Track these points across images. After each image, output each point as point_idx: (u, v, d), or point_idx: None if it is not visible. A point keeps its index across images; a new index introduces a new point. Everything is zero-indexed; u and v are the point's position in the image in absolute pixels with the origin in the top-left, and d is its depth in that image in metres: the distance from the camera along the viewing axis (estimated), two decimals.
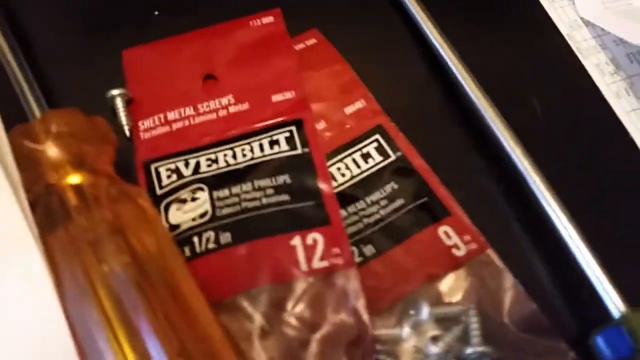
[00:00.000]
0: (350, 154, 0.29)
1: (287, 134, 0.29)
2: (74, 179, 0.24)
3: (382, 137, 0.30)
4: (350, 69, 0.32)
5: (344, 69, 0.32)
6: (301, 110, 0.30)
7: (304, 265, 0.25)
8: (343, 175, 0.29)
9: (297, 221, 0.27)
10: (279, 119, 0.29)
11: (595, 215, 0.28)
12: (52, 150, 0.25)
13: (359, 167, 0.29)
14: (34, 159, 0.25)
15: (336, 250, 0.26)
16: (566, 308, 0.27)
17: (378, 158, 0.29)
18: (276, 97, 0.30)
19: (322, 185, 0.28)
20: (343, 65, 0.32)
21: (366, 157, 0.29)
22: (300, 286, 0.25)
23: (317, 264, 0.26)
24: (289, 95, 0.30)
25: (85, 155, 0.25)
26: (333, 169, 0.29)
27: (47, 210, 0.23)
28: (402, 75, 0.32)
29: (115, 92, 0.30)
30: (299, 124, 0.29)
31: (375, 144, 0.29)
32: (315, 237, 0.26)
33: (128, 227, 0.23)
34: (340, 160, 0.29)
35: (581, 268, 0.26)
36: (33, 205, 0.23)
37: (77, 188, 0.24)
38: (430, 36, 0.31)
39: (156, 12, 0.34)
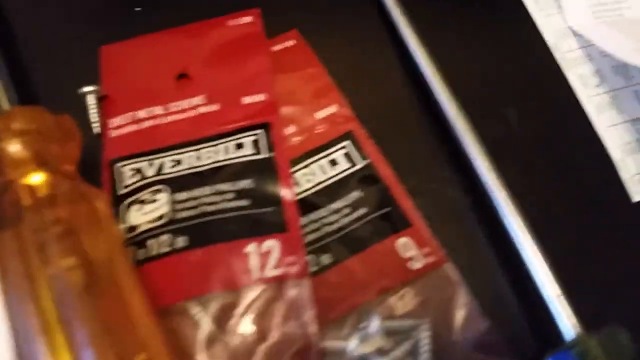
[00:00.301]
0: (317, 160, 0.29)
1: (254, 138, 0.29)
2: (33, 177, 0.25)
3: (353, 143, 0.29)
4: (326, 73, 0.31)
5: (319, 72, 0.31)
6: (270, 113, 0.29)
7: (256, 273, 0.25)
8: (308, 180, 0.28)
9: (255, 227, 0.26)
10: (247, 122, 0.29)
11: (564, 232, 0.28)
12: (12, 147, 0.25)
13: (325, 173, 0.29)
14: None
15: (291, 258, 0.26)
16: (523, 328, 0.26)
17: (345, 165, 0.29)
18: (246, 99, 0.30)
19: (284, 192, 0.27)
20: (318, 68, 0.31)
21: (333, 163, 0.29)
22: (250, 294, 0.25)
23: (270, 272, 0.25)
24: (259, 97, 0.30)
25: (48, 154, 0.25)
26: (299, 174, 0.29)
27: (1, 208, 0.24)
28: (378, 81, 0.32)
29: (86, 89, 0.30)
30: (266, 127, 0.29)
31: (343, 151, 0.29)
32: (271, 244, 0.26)
33: (80, 229, 0.23)
34: (307, 166, 0.29)
35: (540, 288, 0.25)
36: None
37: (32, 188, 0.24)
38: (408, 41, 0.31)
39: (137, 8, 0.34)
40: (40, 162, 0.25)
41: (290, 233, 0.26)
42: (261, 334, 0.24)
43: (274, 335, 0.24)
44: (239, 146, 0.29)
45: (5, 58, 0.30)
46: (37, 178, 0.24)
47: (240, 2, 0.33)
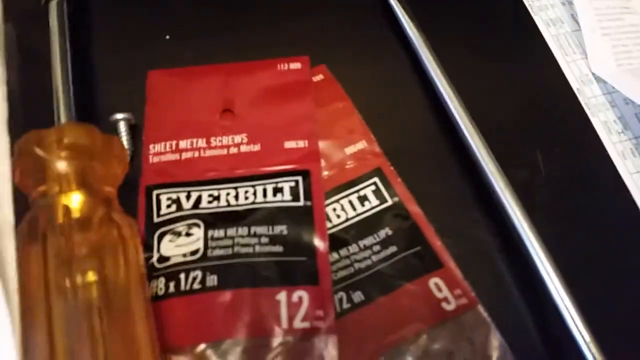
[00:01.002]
0: (347, 195, 0.29)
1: (292, 184, 0.29)
2: (72, 196, 0.25)
3: (381, 180, 0.29)
4: (354, 108, 0.31)
5: (348, 107, 0.31)
6: (310, 161, 0.29)
7: (285, 323, 0.25)
8: (338, 216, 0.28)
9: (286, 276, 0.26)
10: (288, 167, 0.29)
11: (589, 276, 0.28)
12: (59, 162, 0.25)
13: (354, 209, 0.29)
14: (41, 167, 0.25)
15: (320, 312, 0.25)
16: None
17: (375, 202, 0.29)
18: (289, 144, 0.30)
19: (318, 243, 0.27)
20: (347, 103, 0.32)
21: (363, 199, 0.29)
22: (277, 343, 0.25)
23: (298, 323, 0.25)
24: (301, 144, 0.30)
25: (92, 174, 0.26)
26: (329, 209, 0.28)
27: (35, 220, 0.24)
28: (406, 119, 0.32)
29: (119, 116, 0.30)
30: (305, 174, 0.29)
31: (372, 187, 0.29)
32: (302, 295, 0.26)
33: (104, 254, 0.23)
34: (337, 201, 0.29)
35: (569, 330, 0.25)
36: (30, 208, 0.24)
37: (68, 208, 0.24)
38: (437, 83, 0.31)
39: (167, 37, 0.34)
40: (83, 181, 0.25)
41: (321, 286, 0.26)
42: None
43: None
44: (278, 190, 0.28)
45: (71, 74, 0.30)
46: (76, 198, 0.24)
47: (261, 41, 0.33)
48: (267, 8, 0.35)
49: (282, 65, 0.32)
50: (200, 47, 0.33)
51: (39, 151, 0.25)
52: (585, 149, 0.31)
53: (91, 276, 0.22)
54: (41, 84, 0.30)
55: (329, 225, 0.28)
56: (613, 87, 0.33)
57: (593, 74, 0.33)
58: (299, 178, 0.29)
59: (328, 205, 0.29)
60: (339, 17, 0.35)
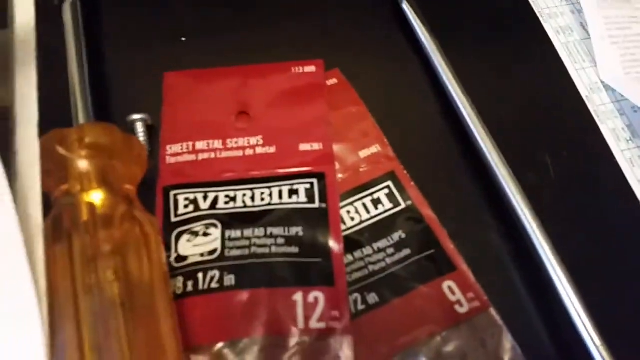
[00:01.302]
0: (361, 198, 0.29)
1: (308, 186, 0.29)
2: (94, 194, 0.25)
3: (394, 184, 0.30)
4: (368, 112, 0.32)
5: (361, 111, 0.32)
6: (326, 163, 0.30)
7: (301, 323, 0.25)
8: (352, 219, 0.29)
9: (302, 276, 0.27)
10: (303, 169, 0.30)
11: (598, 281, 0.28)
12: (80, 161, 0.26)
13: (368, 212, 0.29)
14: (62, 165, 0.26)
15: (335, 313, 0.26)
16: None
17: (388, 205, 0.29)
18: (304, 146, 0.30)
19: (333, 244, 0.27)
20: (361, 107, 0.32)
21: (376, 202, 0.29)
22: (294, 343, 0.25)
23: (314, 324, 0.26)
24: (316, 146, 0.30)
25: (112, 172, 0.26)
26: (343, 212, 0.29)
27: (59, 219, 0.24)
28: (418, 123, 0.32)
29: (136, 116, 0.30)
30: (320, 177, 0.29)
31: (386, 191, 0.30)
32: (317, 296, 0.26)
33: (128, 251, 0.24)
34: (351, 204, 0.29)
35: (579, 333, 0.26)
36: (52, 207, 0.25)
37: (92, 205, 0.24)
38: (449, 87, 0.32)
39: (183, 38, 0.34)
40: (103, 180, 0.25)
41: (336, 287, 0.26)
42: None
43: None
44: (293, 192, 0.29)
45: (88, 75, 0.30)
46: (98, 196, 0.25)
47: (271, 42, 0.34)
48: (278, 8, 0.36)
49: (296, 69, 0.33)
50: (212, 48, 0.34)
51: (61, 150, 0.26)
52: (593, 156, 0.32)
53: (116, 273, 0.23)
54: (55, 85, 0.30)
55: (343, 227, 0.28)
56: (622, 95, 0.33)
57: (602, 82, 0.34)
58: (314, 180, 0.29)
59: (342, 207, 0.29)
60: (349, 18, 0.35)
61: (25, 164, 0.27)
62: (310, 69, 0.33)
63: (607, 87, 0.34)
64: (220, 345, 0.25)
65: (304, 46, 0.34)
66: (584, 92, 0.34)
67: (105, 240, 0.24)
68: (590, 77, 0.34)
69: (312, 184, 0.29)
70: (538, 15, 0.36)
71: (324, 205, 0.28)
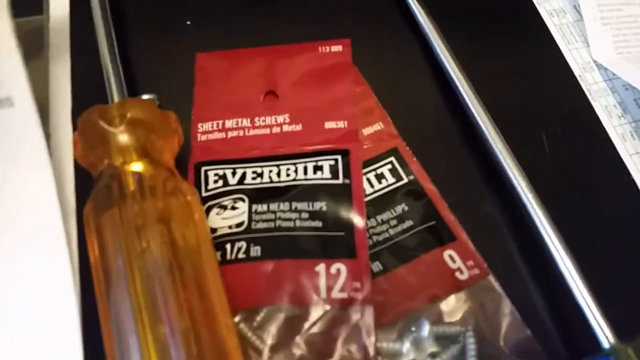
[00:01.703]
0: (365, 173, 0.31)
1: (332, 162, 0.30)
2: (137, 166, 0.26)
3: (397, 160, 0.31)
4: (371, 92, 0.33)
5: (365, 91, 0.33)
6: (350, 141, 0.31)
7: (323, 293, 0.27)
8: None
9: (325, 249, 0.28)
10: (327, 146, 0.31)
11: (591, 250, 0.30)
12: (122, 135, 0.27)
13: (372, 186, 0.30)
14: (105, 140, 0.27)
15: (357, 284, 0.27)
16: (559, 336, 0.28)
17: (391, 179, 0.30)
18: (329, 124, 0.32)
19: (356, 219, 0.29)
20: (364, 87, 0.33)
21: (380, 177, 0.31)
22: (316, 312, 0.27)
23: (336, 294, 0.27)
24: (341, 124, 0.32)
25: (152, 146, 0.27)
26: None
27: (106, 190, 0.26)
28: (419, 102, 0.34)
29: (145, 97, 0.31)
30: (345, 154, 0.31)
31: (389, 166, 0.31)
32: (340, 267, 0.27)
33: (174, 219, 0.25)
34: None
35: (575, 299, 0.27)
36: (96, 181, 0.26)
37: (137, 175, 0.26)
38: (449, 69, 0.33)
39: (188, 22, 0.35)
40: (143, 152, 0.27)
41: (358, 260, 0.28)
42: (323, 352, 0.26)
43: (336, 356, 0.26)
44: (318, 168, 0.30)
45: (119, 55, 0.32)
46: (141, 167, 0.26)
47: (286, 20, 0.35)
48: None
49: (323, 48, 0.34)
50: (220, 31, 0.35)
51: (103, 124, 0.27)
52: (587, 132, 0.33)
53: (164, 238, 0.24)
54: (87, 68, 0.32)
55: None
56: (613, 74, 0.34)
57: (594, 61, 0.35)
58: (339, 157, 0.30)
59: None
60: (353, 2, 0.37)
61: (60, 146, 0.29)
62: (337, 48, 0.34)
63: (600, 66, 0.35)
64: (246, 311, 0.27)
65: (304, 27, 0.35)
66: (577, 71, 0.35)
67: (152, 208, 0.25)
68: (583, 57, 0.35)
69: (336, 160, 0.30)
70: None
71: (347, 181, 0.30)
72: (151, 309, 0.22)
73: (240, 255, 0.28)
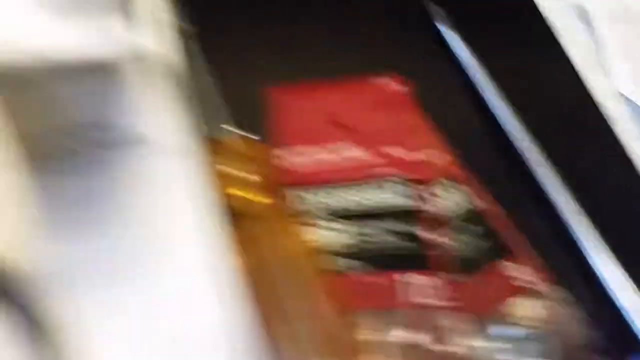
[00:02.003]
0: (425, 195, 0.34)
1: (402, 187, 0.34)
2: (249, 194, 0.32)
3: (451, 179, 0.34)
4: (422, 115, 0.37)
5: (416, 115, 0.37)
6: (417, 169, 0.35)
7: (404, 298, 0.31)
8: None
9: (403, 262, 0.32)
10: (397, 172, 0.34)
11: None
12: (236, 169, 0.33)
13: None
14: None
15: (433, 291, 0.31)
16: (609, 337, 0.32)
17: (448, 197, 0.34)
18: (396, 152, 0.35)
19: (427, 235, 0.33)
20: (419, 114, 0.37)
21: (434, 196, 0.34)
22: (398, 315, 0.31)
23: (416, 299, 0.31)
24: (407, 152, 0.35)
25: (262, 174, 0.33)
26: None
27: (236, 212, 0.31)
28: (469, 125, 0.38)
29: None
30: (412, 180, 0.34)
31: (445, 185, 0.34)
32: (418, 277, 0.32)
33: (284, 232, 0.32)
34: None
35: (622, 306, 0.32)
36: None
37: (249, 201, 0.32)
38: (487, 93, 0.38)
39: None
40: (260, 182, 0.33)
41: (432, 270, 0.32)
42: None
43: None
44: (400, 193, 0.34)
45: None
46: (258, 192, 0.32)
47: (300, 45, 0.39)
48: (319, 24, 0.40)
49: (381, 82, 0.37)
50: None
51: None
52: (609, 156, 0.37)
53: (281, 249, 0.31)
54: None
55: None
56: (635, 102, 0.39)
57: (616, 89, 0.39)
58: (407, 182, 0.34)
59: None
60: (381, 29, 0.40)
61: None
62: (390, 81, 0.37)
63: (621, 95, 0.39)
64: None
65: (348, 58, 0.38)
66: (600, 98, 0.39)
67: (268, 224, 0.31)
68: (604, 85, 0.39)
69: (405, 184, 0.34)
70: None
71: (426, 206, 0.33)
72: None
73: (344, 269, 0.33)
